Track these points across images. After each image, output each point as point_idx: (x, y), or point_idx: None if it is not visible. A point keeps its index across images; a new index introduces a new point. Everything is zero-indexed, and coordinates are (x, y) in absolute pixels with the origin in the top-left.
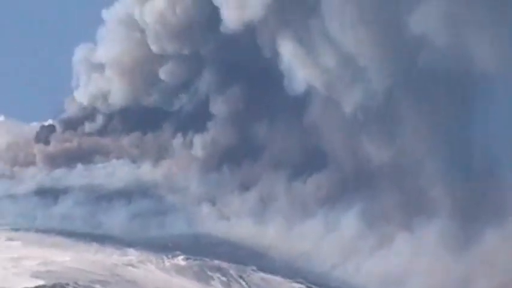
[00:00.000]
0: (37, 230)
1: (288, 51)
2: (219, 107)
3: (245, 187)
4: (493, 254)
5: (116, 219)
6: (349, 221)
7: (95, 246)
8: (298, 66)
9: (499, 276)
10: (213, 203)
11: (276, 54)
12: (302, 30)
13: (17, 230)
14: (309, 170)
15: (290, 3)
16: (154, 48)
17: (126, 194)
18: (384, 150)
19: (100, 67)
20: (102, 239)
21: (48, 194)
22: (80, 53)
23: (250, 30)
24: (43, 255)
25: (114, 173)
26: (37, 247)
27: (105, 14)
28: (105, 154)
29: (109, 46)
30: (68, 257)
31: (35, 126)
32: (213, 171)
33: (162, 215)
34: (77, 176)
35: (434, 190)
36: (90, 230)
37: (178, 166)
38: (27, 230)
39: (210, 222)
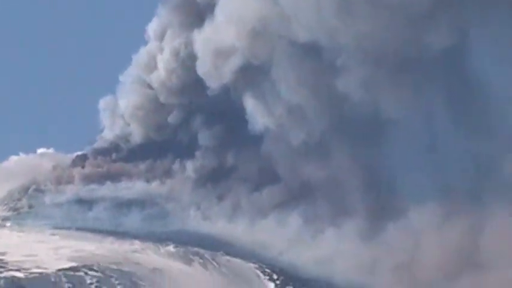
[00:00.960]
0: (74, 229)
1: (250, 104)
2: (204, 141)
3: (221, 197)
4: (393, 242)
5: (132, 220)
6: (294, 220)
7: (112, 239)
8: (257, 114)
9: (399, 258)
10: (198, 208)
11: (242, 106)
12: (259, 90)
13: (60, 228)
14: (265, 184)
15: (250, 71)
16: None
17: (140, 203)
18: (319, 171)
19: (121, 114)
20: (119, 234)
21: (84, 203)
22: (104, 103)
23: (225, 90)
24: (76, 245)
25: (133, 188)
26: (72, 240)
27: (121, 77)
28: (127, 175)
29: (126, 99)
30: (94, 246)
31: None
32: (199, 187)
33: (163, 217)
34: (105, 190)
35: (354, 199)
36: (112, 228)
37: (176, 183)
38: (68, 228)
39: (195, 222)
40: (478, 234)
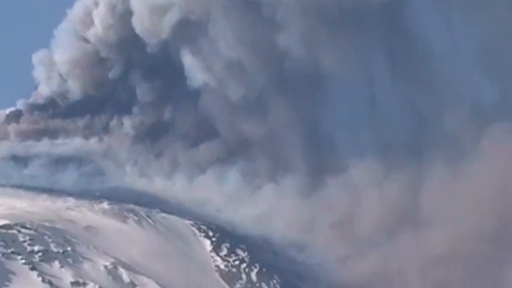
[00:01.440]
0: (9, 186)
1: (188, 60)
2: (143, 97)
3: (159, 153)
4: (332, 198)
5: (67, 177)
6: (232, 176)
7: (45, 196)
8: (196, 70)
9: (338, 215)
10: (135, 165)
11: (181, 62)
12: (197, 45)
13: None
14: (204, 140)
15: (188, 27)
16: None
17: (77, 160)
18: (259, 127)
19: (57, 69)
20: (53, 191)
21: (19, 159)
22: (38, 58)
23: (164, 46)
24: (9, 203)
25: (70, 145)
26: (5, 197)
27: (56, 31)
28: (64, 132)
29: (62, 53)
30: (27, 204)
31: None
32: (137, 143)
33: (99, 174)
34: (42, 146)
35: (293, 155)
36: (48, 185)
37: (114, 140)
38: (1, 186)
39: (132, 179)
40: (417, 190)
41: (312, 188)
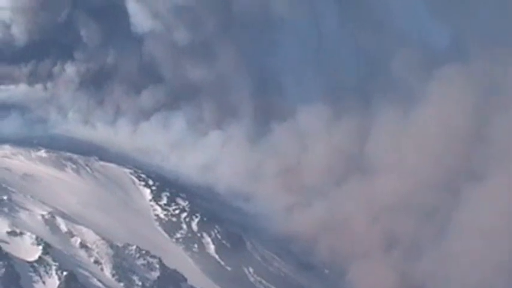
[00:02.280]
0: None
1: (133, 5)
2: (86, 41)
3: (102, 100)
4: (278, 143)
5: (7, 125)
6: (177, 123)
7: None
8: (141, 15)
9: (285, 162)
10: (77, 112)
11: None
12: None
13: None
14: (147, 84)
15: None
16: None
17: (19, 107)
18: (206, 72)
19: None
20: None
21: None
22: None
23: None
24: None
25: (14, 91)
26: None
27: None
28: (9, 78)
29: None
30: None
31: None
32: (80, 89)
33: (39, 122)
34: None
35: (240, 99)
36: None
37: (57, 86)
38: None
39: (74, 127)
40: (365, 136)
41: (258, 134)
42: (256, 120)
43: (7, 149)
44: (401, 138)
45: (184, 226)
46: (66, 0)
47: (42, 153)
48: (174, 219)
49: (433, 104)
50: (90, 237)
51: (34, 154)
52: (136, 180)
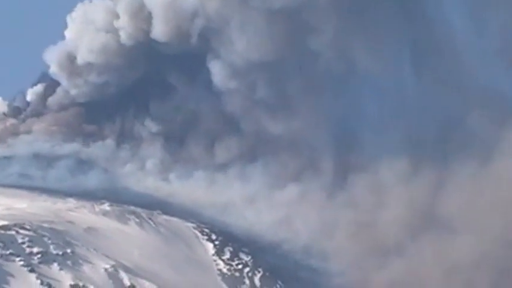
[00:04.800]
0: (8, 185)
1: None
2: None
3: (178, 153)
4: (356, 197)
5: (66, 177)
6: (255, 176)
7: (45, 197)
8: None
9: (360, 215)
10: (134, 164)
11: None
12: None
13: None
14: (226, 137)
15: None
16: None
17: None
18: (286, 126)
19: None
20: (54, 192)
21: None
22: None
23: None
24: (7, 203)
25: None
26: (4, 197)
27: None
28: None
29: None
30: (25, 204)
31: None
32: (158, 143)
33: (105, 174)
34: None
35: (319, 153)
36: (44, 185)
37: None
38: (2, 185)
39: (130, 179)
40: (441, 191)
41: (336, 188)
42: (335, 173)
43: (71, 202)
44: (477, 194)
45: (247, 281)
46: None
47: (106, 206)
48: (236, 273)
49: (509, 158)
50: None
51: (98, 208)
52: (199, 234)
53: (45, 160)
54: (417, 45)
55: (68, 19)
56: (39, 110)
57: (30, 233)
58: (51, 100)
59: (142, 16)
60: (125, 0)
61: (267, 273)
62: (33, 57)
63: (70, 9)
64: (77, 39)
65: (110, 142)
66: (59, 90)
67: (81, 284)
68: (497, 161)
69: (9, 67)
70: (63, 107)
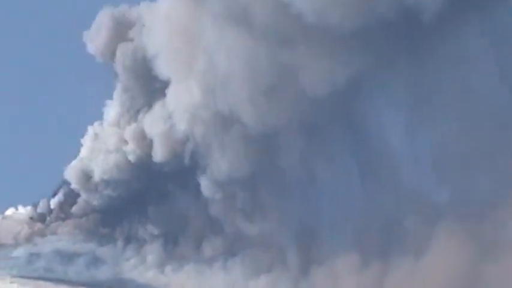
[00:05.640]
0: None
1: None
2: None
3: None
4: (318, 286)
5: (82, 270)
6: (235, 268)
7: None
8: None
9: None
10: (138, 259)
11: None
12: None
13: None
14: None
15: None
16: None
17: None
18: (257, 227)
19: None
20: (71, 282)
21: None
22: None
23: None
24: None
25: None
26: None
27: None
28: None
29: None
30: None
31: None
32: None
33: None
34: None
35: (285, 250)
36: (66, 277)
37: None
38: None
39: (134, 272)
40: (385, 281)
41: (301, 277)
42: (300, 265)
43: None
44: (414, 282)
45: None
46: (150, 173)
47: None
48: None
49: (437, 255)
50: None
51: None
52: None
53: (67, 256)
54: (363, 159)
55: (82, 140)
56: (62, 215)
57: None
58: (74, 209)
59: (145, 142)
60: (130, 129)
61: None
62: (53, 167)
63: (84, 129)
64: (91, 157)
65: (119, 243)
66: (79, 200)
67: None
68: (428, 255)
69: (31, 175)
70: (83, 214)
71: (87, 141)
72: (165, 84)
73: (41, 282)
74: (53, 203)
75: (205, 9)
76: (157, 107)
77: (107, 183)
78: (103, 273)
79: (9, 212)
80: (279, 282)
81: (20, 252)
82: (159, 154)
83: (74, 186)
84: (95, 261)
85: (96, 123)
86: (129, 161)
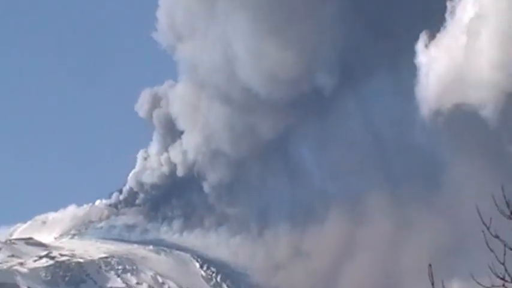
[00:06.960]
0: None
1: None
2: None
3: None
4: None
5: (135, 235)
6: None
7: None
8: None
9: None
10: (168, 226)
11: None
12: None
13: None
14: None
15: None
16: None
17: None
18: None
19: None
20: (129, 242)
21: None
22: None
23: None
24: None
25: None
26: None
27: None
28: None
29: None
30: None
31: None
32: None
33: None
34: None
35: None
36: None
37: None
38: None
39: (166, 235)
40: None
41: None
42: (257, 231)
43: None
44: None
45: None
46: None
47: None
48: None
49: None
50: None
51: None
52: None
53: (129, 227)
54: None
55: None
56: (126, 204)
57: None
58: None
59: (172, 164)
60: (163, 157)
61: None
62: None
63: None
64: (142, 170)
65: (159, 219)
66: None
67: None
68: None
69: (108, 179)
70: (138, 204)
71: (139, 161)
72: (181, 133)
73: (115, 242)
74: (121, 197)
75: (205, 93)
76: (176, 145)
77: (151, 186)
78: (149, 236)
79: (97, 202)
80: (245, 240)
81: (102, 224)
82: (180, 171)
83: (132, 186)
84: (145, 230)
85: (141, 150)
86: (164, 173)
